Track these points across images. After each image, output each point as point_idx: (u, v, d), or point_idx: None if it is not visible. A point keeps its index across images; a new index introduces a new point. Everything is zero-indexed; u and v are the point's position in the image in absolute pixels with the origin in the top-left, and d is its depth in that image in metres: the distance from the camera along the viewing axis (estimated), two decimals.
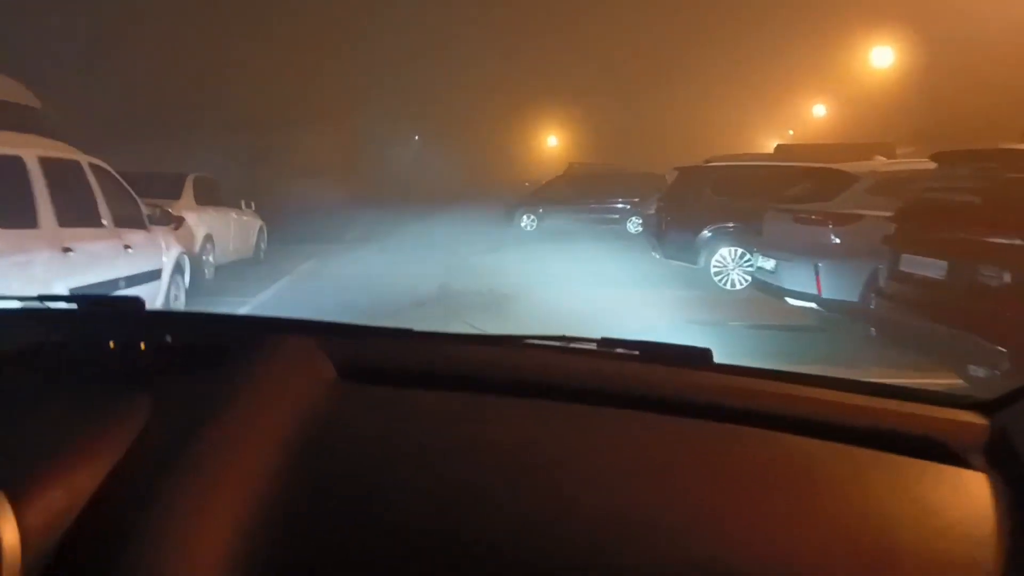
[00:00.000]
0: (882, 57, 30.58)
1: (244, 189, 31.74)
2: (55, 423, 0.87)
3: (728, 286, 10.39)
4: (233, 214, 11.11)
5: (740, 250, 10.32)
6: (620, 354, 1.19)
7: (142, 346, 1.13)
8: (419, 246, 15.60)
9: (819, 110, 41.59)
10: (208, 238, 9.78)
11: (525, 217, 22.09)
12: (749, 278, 10.18)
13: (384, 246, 15.58)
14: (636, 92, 53.69)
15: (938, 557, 0.78)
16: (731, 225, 10.39)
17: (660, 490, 0.86)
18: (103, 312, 1.37)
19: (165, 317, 1.54)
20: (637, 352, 1.18)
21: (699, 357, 1.14)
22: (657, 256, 11.26)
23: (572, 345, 1.22)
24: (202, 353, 1.09)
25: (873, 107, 29.52)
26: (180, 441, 0.85)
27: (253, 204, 11.73)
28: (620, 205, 21.33)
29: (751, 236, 9.75)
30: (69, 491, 0.75)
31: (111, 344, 1.14)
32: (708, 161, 11.90)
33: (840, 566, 0.77)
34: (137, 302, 1.32)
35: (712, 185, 10.71)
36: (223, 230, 10.40)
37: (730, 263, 10.42)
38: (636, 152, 32.83)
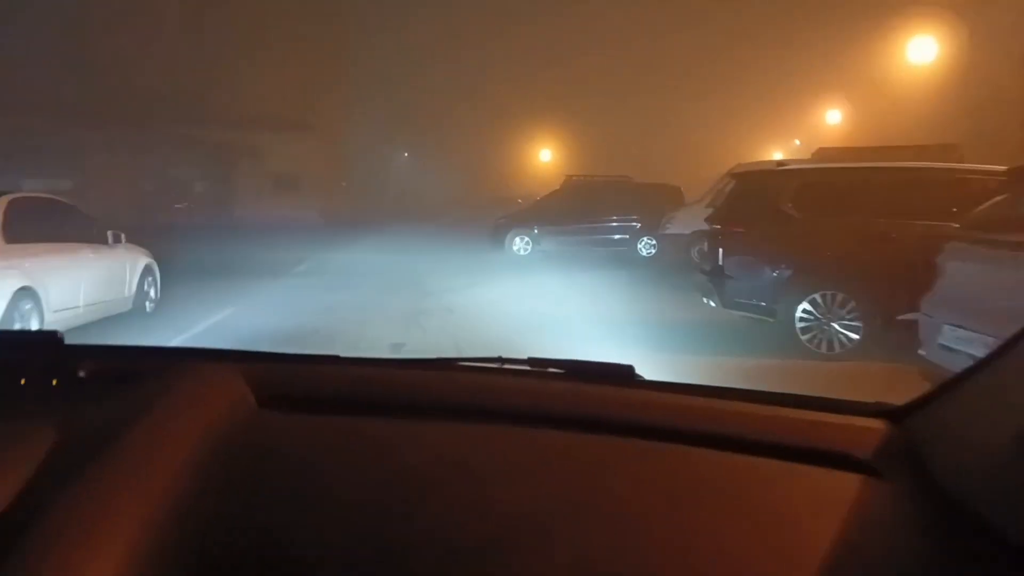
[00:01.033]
0: (921, 52, 27.22)
1: (208, 199, 28.40)
2: None
3: (824, 348, 6.97)
4: (88, 252, 7.57)
5: (841, 295, 6.92)
6: (549, 373, 1.22)
7: (54, 382, 1.14)
8: (386, 281, 12.45)
9: (833, 116, 38.28)
10: (26, 294, 6.28)
11: (518, 239, 18.72)
12: (855, 335, 6.80)
13: (340, 282, 12.24)
14: (630, 103, 50.81)
15: (850, 566, 0.80)
16: (827, 258, 6.98)
17: (579, 509, 0.87)
18: (19, 348, 1.35)
19: (82, 350, 1.34)
20: (563, 371, 1.20)
21: (622, 374, 1.19)
22: (712, 303, 7.80)
23: (504, 366, 1.24)
24: (115, 383, 1.09)
25: (906, 110, 26.26)
26: (76, 466, 0.83)
27: (123, 236, 8.19)
28: (628, 223, 17.98)
29: (859, 275, 6.42)
30: None
31: (22, 381, 1.14)
32: (781, 165, 8.53)
33: None
34: (55, 336, 1.30)
35: (793, 197, 7.28)
36: (61, 278, 6.89)
37: (826, 315, 6.99)
38: (635, 165, 29.49)
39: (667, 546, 0.82)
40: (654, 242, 17.10)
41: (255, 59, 32.83)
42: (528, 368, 1.23)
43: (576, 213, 18.38)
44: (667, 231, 15.02)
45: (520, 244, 18.62)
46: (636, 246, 17.66)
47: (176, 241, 20.99)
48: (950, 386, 1.00)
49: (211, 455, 0.91)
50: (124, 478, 0.83)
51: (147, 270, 8.81)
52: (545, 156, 55.32)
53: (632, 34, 50.08)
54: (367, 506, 0.85)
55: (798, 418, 1.05)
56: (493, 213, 22.71)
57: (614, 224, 18.11)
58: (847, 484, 0.92)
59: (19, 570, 0.71)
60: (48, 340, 1.31)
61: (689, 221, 14.60)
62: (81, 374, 1.16)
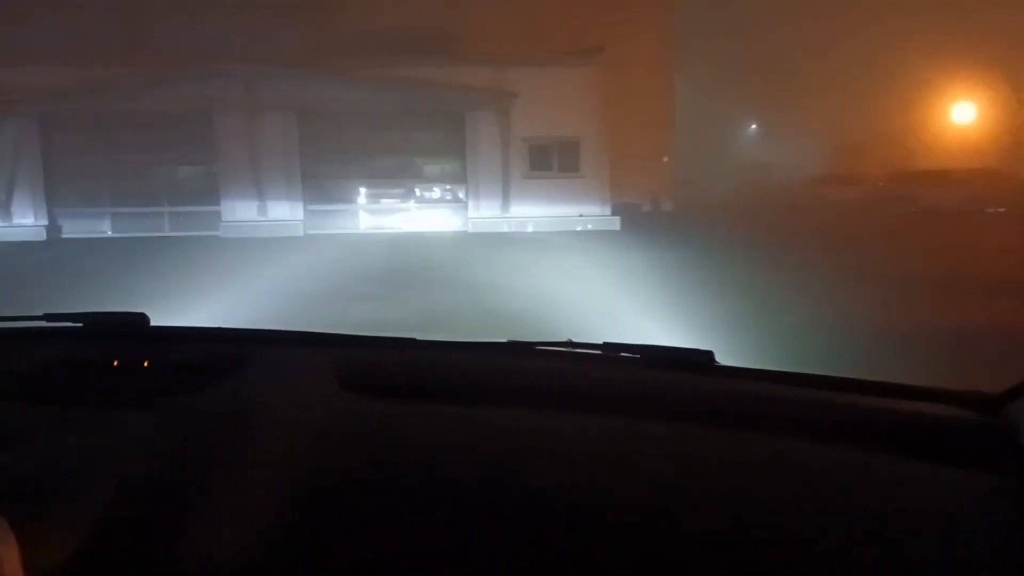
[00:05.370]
0: None
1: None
2: (62, 445, 0.86)
3: None
4: None
5: None
6: (624, 358, 1.20)
7: (145, 364, 1.16)
8: None
9: None
10: None
11: None
12: None
13: None
14: None
15: (940, 563, 0.76)
16: None
17: (659, 497, 0.85)
18: (107, 330, 1.34)
19: (169, 333, 1.36)
20: (639, 356, 1.19)
21: (702, 360, 1.16)
22: None
23: (577, 350, 1.24)
24: (205, 370, 1.11)
25: None
26: (187, 462, 0.85)
27: None
28: None
29: None
30: (75, 517, 0.73)
31: (115, 363, 1.16)
32: None
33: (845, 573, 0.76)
34: (141, 318, 1.31)
35: None
36: None
37: None
38: None
39: (748, 536, 0.78)
40: None
41: None
42: (602, 353, 1.21)
43: None
44: None
45: None
46: None
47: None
48: None
49: (300, 441, 0.91)
50: (229, 473, 0.82)
51: None
52: (963, 113, 35.71)
53: None
54: (443, 489, 0.84)
55: (887, 407, 1.02)
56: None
57: None
58: (938, 477, 0.88)
59: (149, 562, 0.71)
60: (135, 322, 1.29)
61: None
62: (171, 356, 1.17)
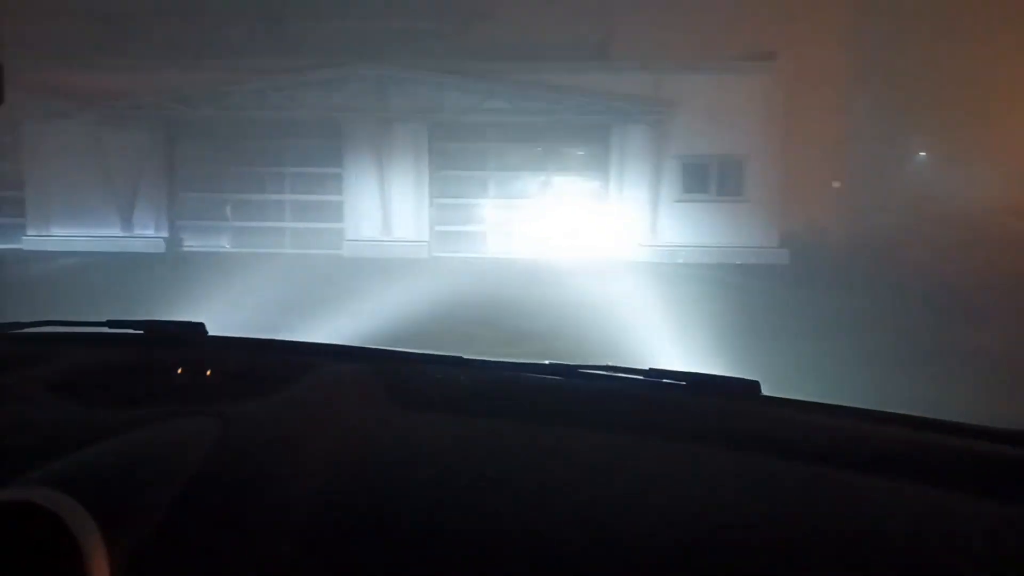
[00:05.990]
0: None
1: None
2: (131, 446, 0.88)
3: None
4: None
5: None
6: (667, 384, 1.21)
7: (208, 372, 1.19)
8: None
9: None
10: None
11: None
12: None
13: None
14: None
15: None
16: None
17: (700, 523, 0.84)
18: (168, 337, 1.39)
19: (227, 342, 1.43)
20: (684, 382, 1.19)
21: (746, 389, 1.15)
22: None
23: (621, 375, 1.25)
24: (263, 379, 1.15)
25: None
26: (245, 465, 0.87)
27: None
28: None
29: None
30: (148, 514, 0.76)
31: (179, 370, 1.19)
32: None
33: None
34: (199, 327, 1.37)
35: None
36: None
37: None
38: None
39: (791, 566, 0.77)
40: None
41: None
42: (645, 378, 1.22)
43: None
44: None
45: None
46: None
47: None
48: None
49: (351, 456, 0.93)
50: (285, 480, 0.85)
51: None
52: None
53: None
54: (498, 514, 0.85)
55: (934, 442, 1.01)
56: None
57: None
58: (980, 512, 0.88)
59: (210, 563, 0.74)
60: (194, 330, 1.37)
61: None
62: (230, 365, 1.22)
